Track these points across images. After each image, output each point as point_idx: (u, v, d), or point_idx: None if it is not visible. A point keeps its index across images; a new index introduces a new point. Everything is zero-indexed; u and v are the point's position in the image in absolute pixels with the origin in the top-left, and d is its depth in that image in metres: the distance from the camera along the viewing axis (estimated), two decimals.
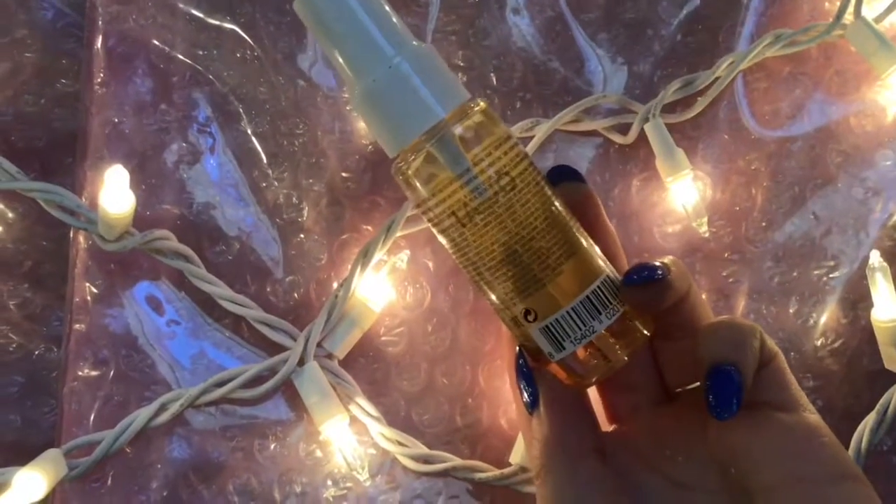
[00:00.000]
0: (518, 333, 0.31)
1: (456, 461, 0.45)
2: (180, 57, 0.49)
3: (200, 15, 0.49)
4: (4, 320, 0.49)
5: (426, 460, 0.46)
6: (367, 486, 0.45)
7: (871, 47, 0.47)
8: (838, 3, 0.48)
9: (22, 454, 0.43)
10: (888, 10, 0.48)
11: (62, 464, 0.44)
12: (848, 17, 0.48)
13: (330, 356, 0.46)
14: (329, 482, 0.46)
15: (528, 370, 0.32)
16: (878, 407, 0.44)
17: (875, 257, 0.43)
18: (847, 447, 0.44)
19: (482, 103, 0.31)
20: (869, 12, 0.48)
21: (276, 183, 0.48)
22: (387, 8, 0.31)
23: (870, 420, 0.44)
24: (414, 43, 0.31)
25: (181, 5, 0.49)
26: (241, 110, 0.48)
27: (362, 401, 0.46)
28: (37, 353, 0.50)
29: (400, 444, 0.46)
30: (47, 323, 0.50)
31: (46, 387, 0.49)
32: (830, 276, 0.47)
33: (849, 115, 0.48)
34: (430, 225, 0.32)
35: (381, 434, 0.46)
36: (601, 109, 0.48)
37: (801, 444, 0.29)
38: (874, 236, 0.47)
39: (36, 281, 0.50)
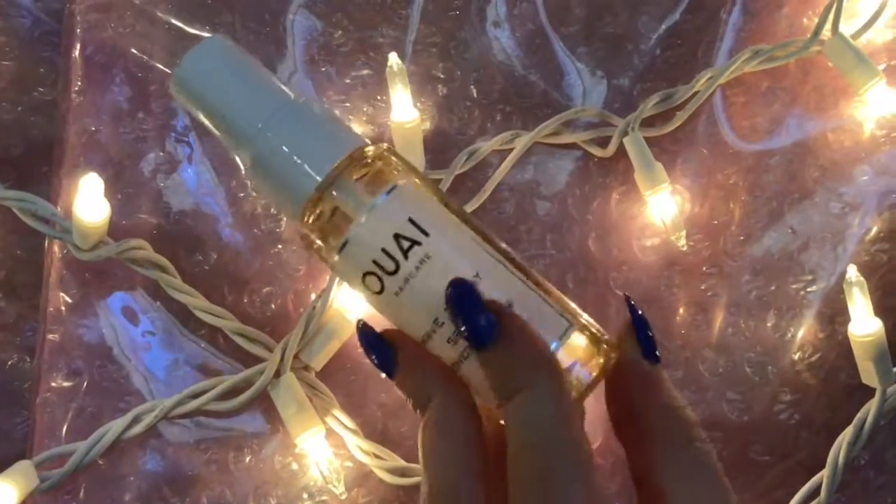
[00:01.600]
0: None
1: None
2: (159, 66, 0.49)
3: (179, 24, 0.49)
4: None
5: (403, 473, 0.45)
6: (342, 499, 0.45)
7: (849, 63, 0.48)
8: (816, 20, 0.48)
9: None
10: (866, 27, 0.49)
11: (33, 475, 0.43)
12: (826, 33, 0.48)
13: (307, 368, 0.46)
14: (305, 495, 0.46)
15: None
16: (855, 421, 0.44)
17: (852, 272, 0.43)
18: (824, 461, 0.44)
19: (370, 150, 0.29)
20: (847, 28, 0.48)
21: (253, 193, 0.48)
22: (252, 74, 0.30)
23: (847, 434, 0.44)
24: (287, 102, 0.29)
25: (160, 14, 0.49)
26: None
27: (339, 413, 0.45)
28: (9, 363, 0.49)
29: (377, 456, 0.45)
30: (20, 333, 0.50)
31: (19, 398, 0.49)
32: (808, 290, 0.47)
33: (826, 131, 0.49)
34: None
35: (358, 447, 0.45)
36: (581, 122, 0.49)
37: None
38: (851, 251, 0.47)
39: (9, 290, 0.50)
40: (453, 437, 0.28)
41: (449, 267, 0.28)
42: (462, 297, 0.28)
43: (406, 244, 0.28)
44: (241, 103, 0.30)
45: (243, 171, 0.30)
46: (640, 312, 0.30)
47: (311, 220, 0.29)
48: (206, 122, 0.30)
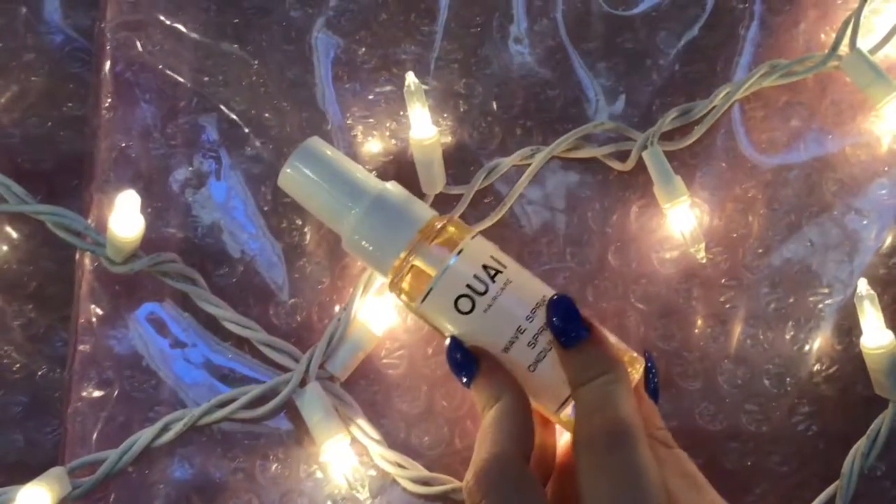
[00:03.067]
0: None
1: (455, 484, 0.48)
2: (187, 83, 0.52)
3: (208, 41, 0.52)
4: (8, 341, 0.52)
5: (426, 482, 0.48)
6: None
7: (867, 78, 0.50)
8: (834, 35, 0.51)
9: (25, 474, 0.46)
10: (883, 42, 0.51)
11: (66, 482, 0.46)
12: (843, 48, 0.51)
13: (332, 378, 0.49)
14: (329, 503, 0.49)
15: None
16: (868, 432, 0.46)
17: (863, 285, 0.46)
18: (839, 472, 0.47)
19: (441, 221, 0.40)
20: (864, 44, 0.51)
21: (280, 207, 0.51)
22: (345, 170, 0.41)
23: (861, 445, 0.46)
24: (372, 191, 0.40)
25: (188, 32, 0.52)
26: (246, 135, 0.52)
27: (363, 422, 0.48)
28: (40, 373, 0.52)
29: (400, 465, 0.48)
30: (51, 344, 0.53)
31: (49, 407, 0.52)
32: (826, 302, 0.50)
33: (844, 145, 0.51)
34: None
35: (382, 456, 0.48)
36: (600, 137, 0.51)
37: None
38: (868, 264, 0.50)
39: (40, 302, 0.53)
40: (513, 424, 0.37)
41: (527, 288, 0.40)
42: (565, 306, 0.38)
43: (492, 272, 0.39)
44: (336, 192, 0.41)
45: (342, 243, 0.42)
46: (650, 364, 0.41)
47: (396, 278, 0.40)
48: (311, 207, 0.42)
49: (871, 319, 0.45)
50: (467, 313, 0.39)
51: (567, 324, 0.38)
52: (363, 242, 0.41)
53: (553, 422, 0.41)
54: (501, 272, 0.39)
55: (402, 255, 0.40)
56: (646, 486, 0.34)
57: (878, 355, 0.45)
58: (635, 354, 0.41)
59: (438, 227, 0.40)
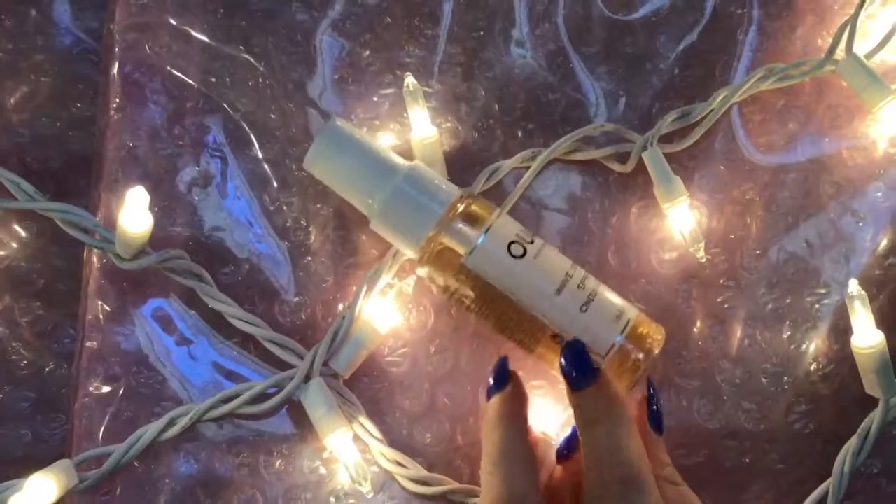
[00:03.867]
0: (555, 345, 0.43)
1: (454, 485, 0.50)
2: (194, 84, 0.54)
3: (214, 44, 0.54)
4: (17, 337, 0.54)
5: (425, 482, 0.50)
6: (369, 498, 0.49)
7: (863, 83, 0.52)
8: (831, 40, 0.53)
9: (32, 469, 0.47)
10: (879, 47, 0.53)
11: (73, 474, 0.48)
12: (840, 53, 0.52)
13: (335, 375, 0.51)
14: (332, 499, 0.50)
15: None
16: (859, 431, 0.48)
17: (853, 286, 0.47)
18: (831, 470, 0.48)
19: (464, 201, 0.42)
20: (860, 48, 0.52)
21: (285, 207, 0.53)
22: (372, 151, 0.41)
23: (852, 444, 0.48)
24: (400, 169, 0.41)
25: (196, 34, 0.54)
26: (252, 136, 0.53)
27: (365, 421, 0.50)
28: (47, 369, 0.54)
29: (399, 464, 0.50)
30: (58, 340, 0.54)
31: (57, 403, 0.53)
32: (822, 302, 0.51)
33: (841, 148, 0.53)
34: (460, 303, 0.43)
35: (382, 454, 0.50)
36: (600, 139, 0.53)
37: None
38: (864, 265, 0.51)
39: (47, 299, 0.54)
40: (522, 462, 0.40)
41: (558, 258, 0.43)
42: (575, 350, 0.40)
43: (528, 237, 0.43)
44: (363, 173, 0.41)
45: (371, 223, 0.43)
46: (652, 392, 0.43)
47: (426, 257, 0.41)
48: (338, 186, 0.42)
49: (861, 319, 0.47)
50: (520, 257, 0.42)
51: (577, 367, 0.40)
52: (394, 219, 0.41)
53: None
54: (533, 243, 0.43)
55: (430, 235, 0.41)
56: None
57: (868, 355, 0.47)
58: (656, 325, 0.45)
59: (463, 205, 0.42)
